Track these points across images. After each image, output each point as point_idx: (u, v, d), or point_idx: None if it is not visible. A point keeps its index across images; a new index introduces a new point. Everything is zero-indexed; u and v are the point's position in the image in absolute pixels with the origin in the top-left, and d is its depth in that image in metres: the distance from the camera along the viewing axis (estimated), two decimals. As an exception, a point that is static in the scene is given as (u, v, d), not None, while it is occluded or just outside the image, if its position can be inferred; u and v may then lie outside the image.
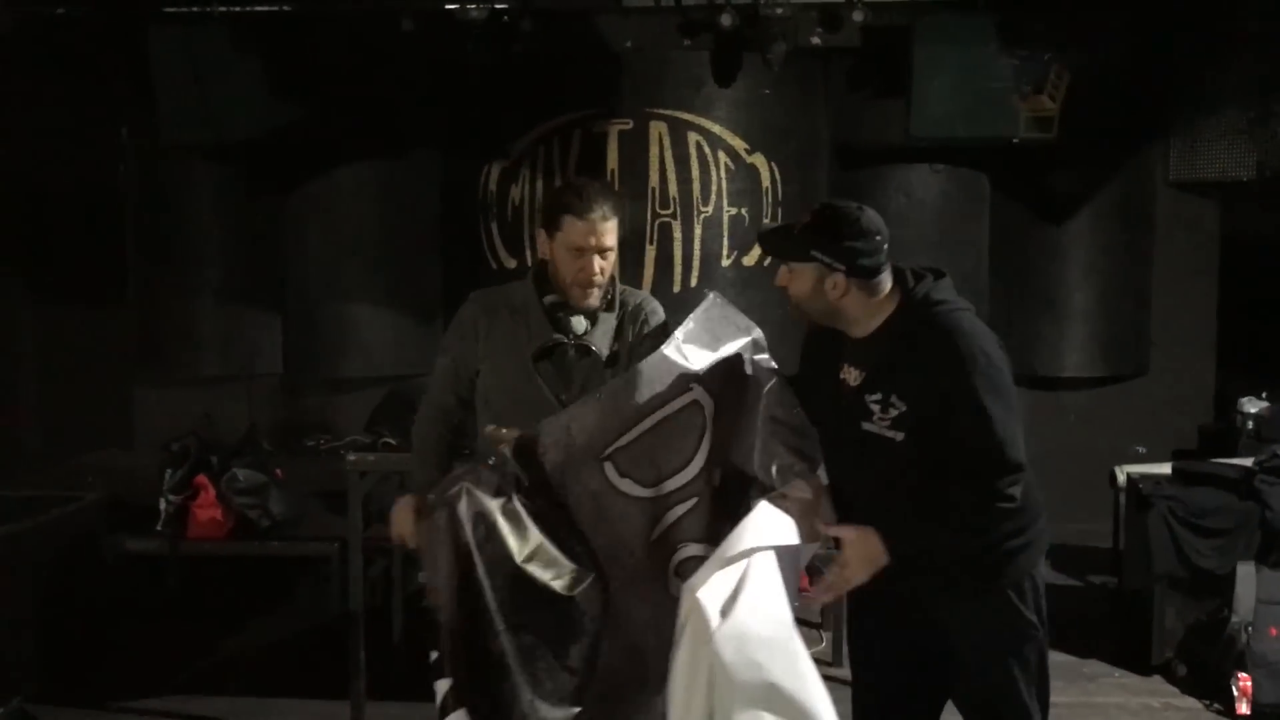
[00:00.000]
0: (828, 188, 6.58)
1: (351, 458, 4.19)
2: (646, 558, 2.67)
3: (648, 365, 2.65)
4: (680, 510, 2.67)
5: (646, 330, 3.01)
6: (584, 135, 6.08)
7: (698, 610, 2.39)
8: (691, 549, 2.65)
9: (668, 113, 6.05)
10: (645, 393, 2.63)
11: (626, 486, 2.66)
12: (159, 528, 4.60)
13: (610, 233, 2.89)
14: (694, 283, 6.11)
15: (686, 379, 2.65)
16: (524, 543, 2.59)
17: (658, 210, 6.07)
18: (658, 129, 6.05)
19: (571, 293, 2.92)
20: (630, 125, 6.05)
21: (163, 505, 4.61)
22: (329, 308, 6.47)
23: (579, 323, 2.95)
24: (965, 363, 2.56)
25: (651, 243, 6.08)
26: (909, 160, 6.46)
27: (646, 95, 6.06)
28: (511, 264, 6.22)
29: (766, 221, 6.17)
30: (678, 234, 6.08)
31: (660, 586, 2.67)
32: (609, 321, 2.99)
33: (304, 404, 6.65)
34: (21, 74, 6.20)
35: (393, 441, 4.61)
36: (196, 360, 6.62)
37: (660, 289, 6.07)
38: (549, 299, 2.95)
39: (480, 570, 2.53)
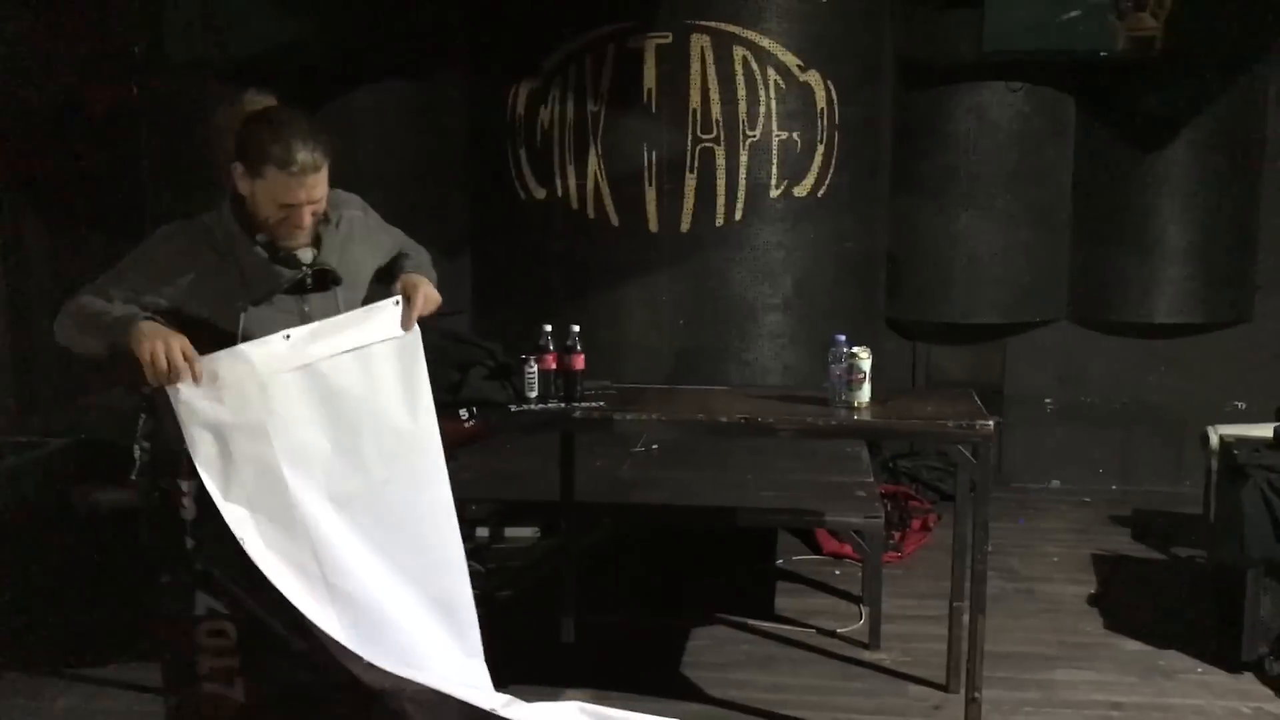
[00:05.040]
0: (891, 108, 5.95)
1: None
2: None
3: None
4: None
5: (354, 232, 2.63)
6: (618, 51, 5.50)
7: None
8: None
9: (711, 25, 5.45)
10: None
11: None
12: (133, 476, 4.21)
13: (321, 183, 2.45)
14: (739, 215, 5.53)
15: None
16: None
17: (699, 135, 5.49)
18: (700, 43, 5.45)
19: (275, 233, 2.47)
20: (669, 39, 5.46)
21: (137, 453, 4.22)
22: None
23: (305, 253, 2.52)
24: None
25: (692, 171, 5.51)
26: (983, 78, 5.83)
27: (688, 6, 5.45)
28: (541, 194, 5.71)
29: (821, 147, 5.58)
30: (721, 161, 5.49)
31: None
32: (331, 235, 2.57)
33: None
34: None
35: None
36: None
37: (701, 221, 5.53)
38: (261, 238, 2.49)
39: None
